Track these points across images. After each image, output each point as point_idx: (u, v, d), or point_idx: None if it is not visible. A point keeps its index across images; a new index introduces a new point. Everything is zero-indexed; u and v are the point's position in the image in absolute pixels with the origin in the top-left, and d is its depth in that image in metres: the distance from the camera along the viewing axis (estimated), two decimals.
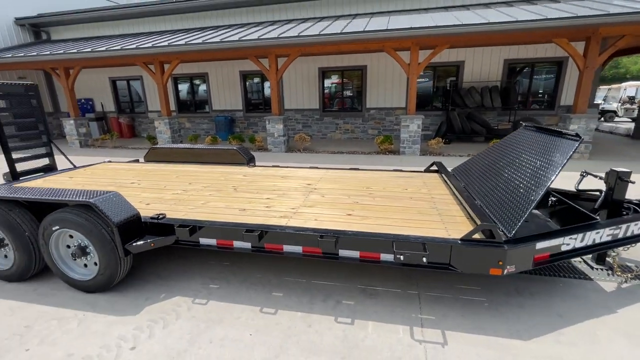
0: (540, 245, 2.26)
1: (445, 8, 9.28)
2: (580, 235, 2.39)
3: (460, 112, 9.45)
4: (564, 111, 9.02)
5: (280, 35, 7.93)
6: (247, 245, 2.59)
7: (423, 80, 10.42)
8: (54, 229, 2.61)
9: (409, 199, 3.16)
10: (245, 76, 11.69)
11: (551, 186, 3.45)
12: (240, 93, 11.84)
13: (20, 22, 12.45)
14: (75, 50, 9.57)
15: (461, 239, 2.22)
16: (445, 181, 3.70)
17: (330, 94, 11.29)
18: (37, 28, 12.96)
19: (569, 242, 2.36)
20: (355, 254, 2.41)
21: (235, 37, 8.37)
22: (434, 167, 4.20)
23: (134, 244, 2.53)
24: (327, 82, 11.17)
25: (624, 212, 2.82)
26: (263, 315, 2.42)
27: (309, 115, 11.39)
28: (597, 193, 2.98)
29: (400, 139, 8.39)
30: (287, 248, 2.53)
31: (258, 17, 10.89)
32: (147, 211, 2.87)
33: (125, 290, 2.76)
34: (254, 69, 10.92)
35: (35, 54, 9.93)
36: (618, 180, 2.77)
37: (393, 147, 8.66)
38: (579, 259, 3.12)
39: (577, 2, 7.81)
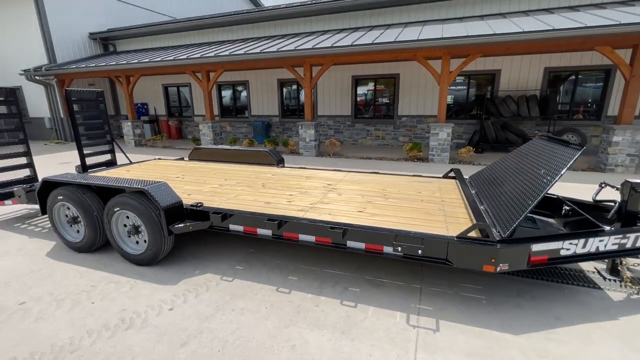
0: (537, 247, 2.39)
1: (482, 17, 9.21)
2: (582, 241, 2.47)
3: (494, 121, 9.26)
4: (611, 122, 8.48)
5: (315, 46, 8.41)
6: (269, 232, 2.98)
7: (458, 88, 10.35)
8: (115, 210, 3.20)
9: (420, 201, 3.37)
10: (282, 84, 12.37)
11: (569, 196, 3.48)
12: (277, 99, 12.53)
13: (93, 36, 14.27)
14: (136, 61, 10.83)
15: (457, 236, 2.42)
16: (460, 187, 3.84)
17: (362, 101, 11.57)
18: (106, 41, 14.74)
19: (569, 247, 2.46)
20: (361, 245, 2.69)
21: (274, 48, 9.00)
22: (452, 174, 4.34)
23: (176, 225, 3.03)
24: (360, 90, 11.46)
25: (638, 223, 2.81)
26: (278, 294, 2.78)
27: (340, 122, 11.74)
28: (612, 204, 2.99)
29: (429, 147, 8.44)
30: (302, 237, 2.88)
31: (297, 28, 11.53)
32: (188, 200, 3.38)
33: (167, 266, 3.27)
34: (291, 77, 11.53)
35: (103, 64, 11.37)
36: (632, 192, 2.78)
37: (422, 154, 8.72)
38: (592, 269, 3.12)
39: (625, 7, 7.41)
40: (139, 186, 3.04)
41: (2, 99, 4.49)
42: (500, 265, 2.33)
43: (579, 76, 9.16)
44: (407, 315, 2.48)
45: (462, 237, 2.40)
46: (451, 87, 10.40)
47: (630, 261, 3.15)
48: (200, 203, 3.21)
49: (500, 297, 2.71)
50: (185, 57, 10.06)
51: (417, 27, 8.98)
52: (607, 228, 2.60)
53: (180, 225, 3.04)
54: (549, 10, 8.54)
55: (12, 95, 4.62)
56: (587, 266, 3.18)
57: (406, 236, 2.49)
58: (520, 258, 2.35)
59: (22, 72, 12.70)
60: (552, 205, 3.48)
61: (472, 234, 2.44)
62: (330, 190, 3.76)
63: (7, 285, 2.99)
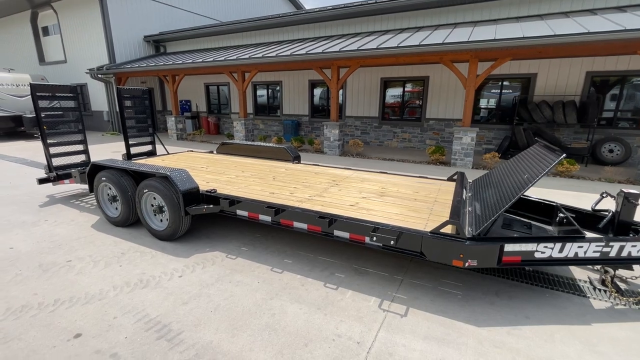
0: (510, 247, 2.51)
1: (517, 18, 8.87)
2: (558, 245, 2.53)
3: (526, 128, 8.89)
4: None
5: (342, 49, 8.69)
6: (268, 218, 3.35)
7: (492, 92, 10.05)
8: (144, 191, 3.77)
9: (413, 200, 3.55)
10: (313, 84, 12.79)
11: (566, 204, 3.47)
12: (307, 99, 12.98)
13: (146, 39, 15.77)
14: (180, 62, 11.86)
15: (431, 232, 2.61)
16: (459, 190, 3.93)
17: (390, 103, 11.62)
18: (157, 43, 16.21)
19: (544, 250, 2.54)
20: (346, 235, 2.97)
21: (303, 51, 9.42)
22: (456, 177, 4.42)
23: (192, 207, 3.52)
24: (388, 92, 11.52)
25: (631, 234, 2.78)
26: (272, 272, 3.15)
27: (368, 123, 11.90)
28: (607, 213, 2.97)
29: (452, 151, 8.35)
30: (296, 224, 3.22)
31: (328, 31, 11.87)
32: (205, 186, 3.87)
33: (185, 242, 3.78)
34: (321, 78, 11.91)
35: (153, 64, 12.59)
36: (625, 202, 2.76)
37: (444, 158, 8.65)
38: (585, 277, 3.10)
39: None
40: (164, 172, 3.57)
41: (68, 95, 5.35)
42: (469, 261, 2.48)
43: (628, 82, 8.48)
44: (380, 301, 2.72)
45: (435, 233, 2.59)
46: (484, 92, 10.12)
47: (628, 273, 3.10)
48: (214, 190, 3.68)
49: (477, 294, 2.84)
50: (223, 58, 10.85)
51: (446, 30, 8.90)
52: (589, 235, 2.63)
53: (196, 207, 3.52)
54: (592, 11, 8.03)
55: (75, 91, 5.48)
56: (581, 275, 3.16)
57: (384, 229, 2.72)
58: (489, 256, 2.49)
59: (88, 71, 14.42)
60: (551, 212, 3.47)
61: (447, 230, 2.61)
62: (332, 186, 4.05)
63: (60, 246, 3.67)
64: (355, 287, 2.92)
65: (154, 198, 3.82)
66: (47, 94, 5.10)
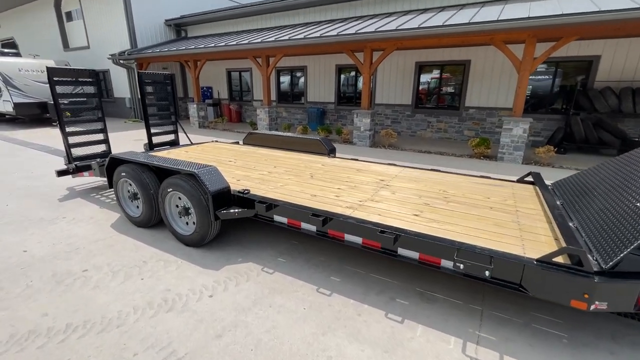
0: None
1: None
2: None
3: (585, 117, 7.86)
4: None
5: (378, 29, 7.88)
6: (313, 228, 2.80)
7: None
8: (168, 190, 3.29)
9: (488, 208, 2.89)
10: (340, 69, 12.01)
11: None
12: (333, 86, 12.23)
13: (168, 22, 15.33)
14: (202, 46, 11.35)
15: (538, 260, 1.97)
16: (540, 196, 3.24)
17: (425, 90, 10.73)
18: (178, 27, 15.75)
19: None
20: (415, 254, 2.37)
21: (334, 32, 8.67)
22: (529, 178, 3.70)
23: (223, 211, 3.01)
24: (423, 78, 10.62)
25: None
26: (318, 294, 2.61)
27: (399, 111, 11.07)
28: None
29: (500, 144, 7.50)
30: (348, 237, 2.65)
31: (360, 11, 10.98)
32: (236, 186, 3.35)
33: (213, 249, 3.30)
34: (350, 62, 11.13)
35: (174, 49, 12.15)
36: None
37: (490, 151, 7.80)
38: None
39: None
40: (190, 169, 3.06)
41: (87, 79, 4.93)
42: (596, 303, 1.84)
43: None
44: (462, 342, 2.13)
45: (545, 262, 1.95)
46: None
47: None
48: (247, 190, 3.15)
49: (587, 337, 2.20)
50: (246, 42, 10.24)
51: (498, 6, 7.89)
52: None
53: (226, 212, 3.01)
54: None
55: (94, 76, 5.04)
56: None
57: (471, 251, 2.11)
58: (625, 298, 1.83)
59: (110, 57, 14.18)
60: None
61: (559, 258, 1.96)
62: (382, 187, 3.44)
63: (77, 251, 3.27)
64: (425, 319, 2.34)
65: (179, 198, 3.33)
66: (65, 79, 4.68)
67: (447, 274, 2.83)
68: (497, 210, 2.86)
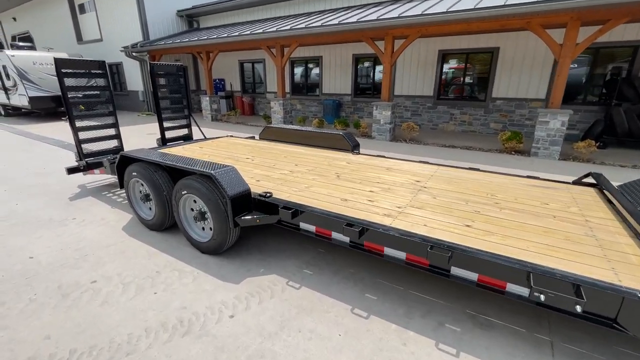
0: None
1: None
2: None
3: (629, 109, 7.19)
4: None
5: (401, 15, 7.35)
6: (346, 239, 2.45)
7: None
8: (182, 192, 2.98)
9: (551, 217, 2.47)
10: (357, 59, 11.48)
11: None
12: (350, 77, 11.73)
13: (179, 13, 15.02)
14: (215, 36, 11.00)
15: None
16: (609, 201, 2.79)
17: (447, 81, 10.13)
18: (190, 18, 15.42)
19: None
20: (473, 275, 1.99)
21: (354, 19, 8.17)
22: (589, 179, 3.24)
23: (243, 217, 2.68)
24: (446, 67, 10.01)
25: None
26: (354, 316, 2.27)
27: (420, 103, 10.52)
28: None
29: (533, 138, 6.94)
30: (388, 251, 2.29)
31: None
32: (256, 187, 3.01)
33: (232, 258, 2.99)
34: (367, 52, 10.60)
35: (187, 40, 11.84)
36: None
37: (522, 146, 7.24)
38: None
39: None
40: (207, 170, 2.73)
41: (96, 71, 4.65)
42: None
43: None
44: None
45: None
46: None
47: None
48: (269, 193, 2.80)
49: None
50: (261, 31, 9.83)
51: None
52: None
53: (247, 218, 2.68)
54: None
55: (104, 67, 4.76)
56: None
57: (550, 277, 1.71)
58: None
59: (122, 49, 14.00)
60: None
61: None
62: (420, 190, 3.04)
63: (86, 257, 3.02)
64: (484, 352, 1.97)
65: (194, 201, 3.02)
66: (73, 71, 4.42)
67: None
68: (563, 220, 2.43)
